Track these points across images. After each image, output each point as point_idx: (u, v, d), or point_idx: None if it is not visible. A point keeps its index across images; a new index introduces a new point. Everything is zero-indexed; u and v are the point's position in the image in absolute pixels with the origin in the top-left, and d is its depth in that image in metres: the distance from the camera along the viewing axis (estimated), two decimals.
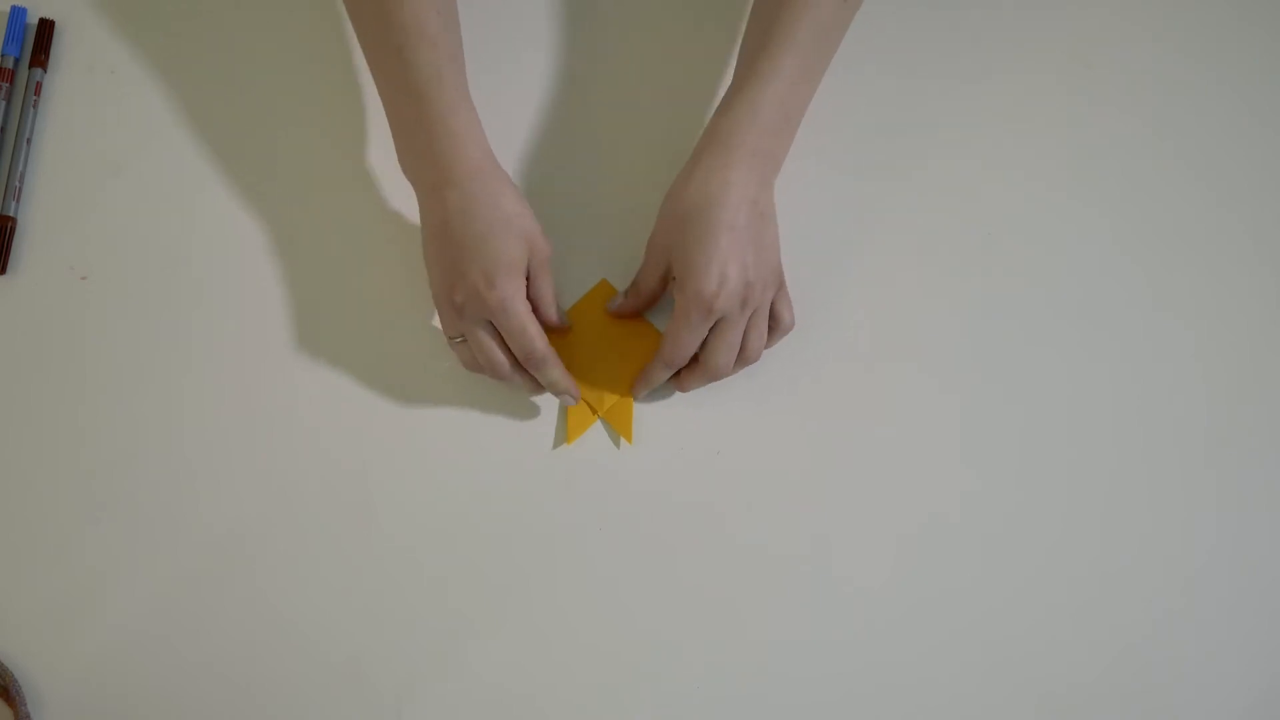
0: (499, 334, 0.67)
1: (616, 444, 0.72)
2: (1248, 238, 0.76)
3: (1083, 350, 0.74)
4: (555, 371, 0.68)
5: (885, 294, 0.74)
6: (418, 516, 0.71)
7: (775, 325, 0.70)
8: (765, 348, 0.70)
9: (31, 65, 0.75)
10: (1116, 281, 0.75)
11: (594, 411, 0.72)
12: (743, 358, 0.69)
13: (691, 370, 0.70)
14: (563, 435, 0.72)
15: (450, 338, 0.69)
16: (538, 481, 0.71)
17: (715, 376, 0.69)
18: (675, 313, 0.68)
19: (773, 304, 0.70)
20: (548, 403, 0.72)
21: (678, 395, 0.73)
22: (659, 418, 0.72)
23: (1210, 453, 0.73)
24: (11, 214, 0.73)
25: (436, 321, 0.72)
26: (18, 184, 0.73)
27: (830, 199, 0.76)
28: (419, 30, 0.66)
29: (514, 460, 0.72)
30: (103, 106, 0.75)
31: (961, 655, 0.70)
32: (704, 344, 0.68)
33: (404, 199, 0.74)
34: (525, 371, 0.69)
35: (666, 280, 0.69)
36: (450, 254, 0.66)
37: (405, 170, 0.69)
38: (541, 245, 0.68)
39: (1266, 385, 0.74)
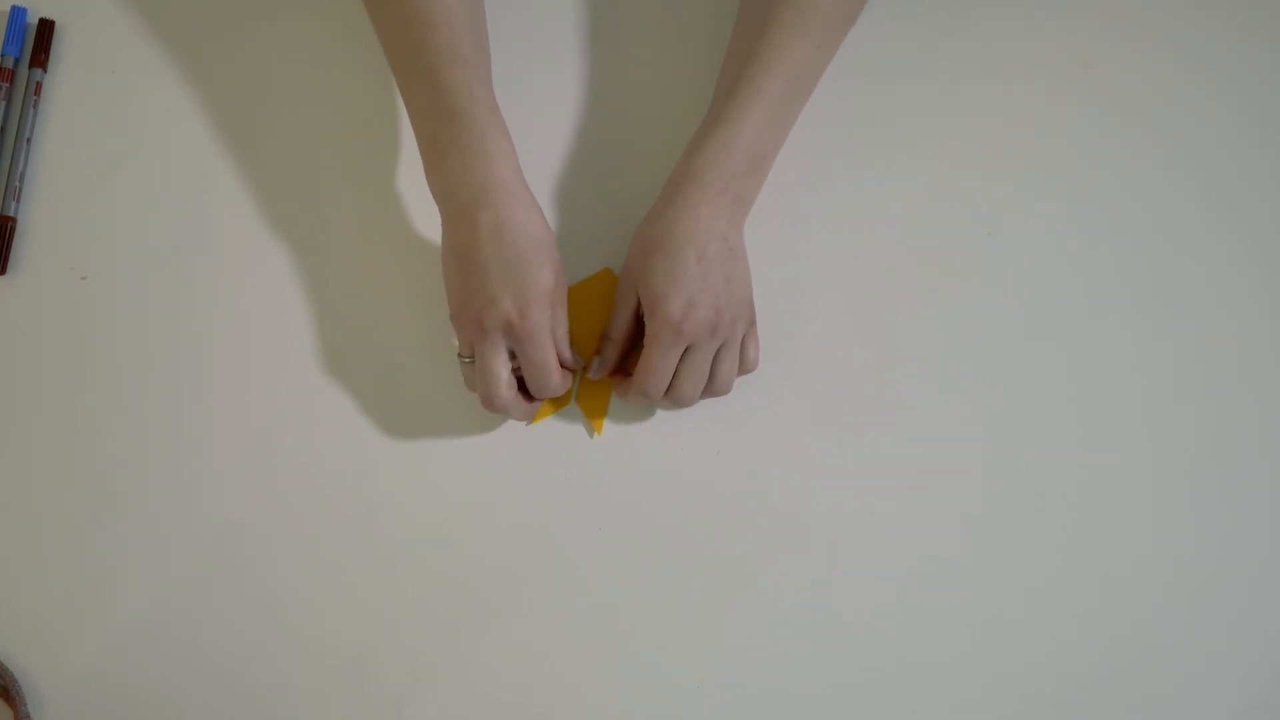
0: (506, 363, 0.67)
1: (615, 444, 0.72)
2: (1250, 236, 0.76)
3: (1085, 351, 0.74)
4: (560, 392, 0.68)
5: (886, 294, 0.74)
6: (417, 516, 0.71)
7: (743, 365, 0.70)
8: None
9: (31, 65, 0.75)
10: (1118, 282, 0.75)
11: (570, 398, 0.72)
12: (710, 389, 0.69)
13: (664, 398, 0.69)
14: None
15: (462, 357, 0.68)
16: (537, 482, 0.71)
17: (684, 404, 0.69)
18: (646, 343, 0.67)
19: (744, 342, 0.69)
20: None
21: None
22: (659, 418, 0.72)
23: (1217, 453, 0.73)
24: (11, 214, 0.73)
25: (432, 326, 0.72)
26: (18, 184, 0.73)
27: (830, 201, 0.75)
28: (451, 52, 0.66)
29: (513, 461, 0.72)
30: (103, 106, 0.75)
31: (967, 660, 0.70)
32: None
33: (401, 199, 0.74)
34: (517, 406, 0.68)
35: (639, 318, 0.69)
36: (479, 276, 0.65)
37: (434, 189, 0.68)
38: (563, 279, 0.68)
39: (1272, 384, 0.74)
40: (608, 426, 0.72)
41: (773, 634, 0.70)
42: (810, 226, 0.75)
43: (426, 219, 0.74)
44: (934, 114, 0.77)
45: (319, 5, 0.77)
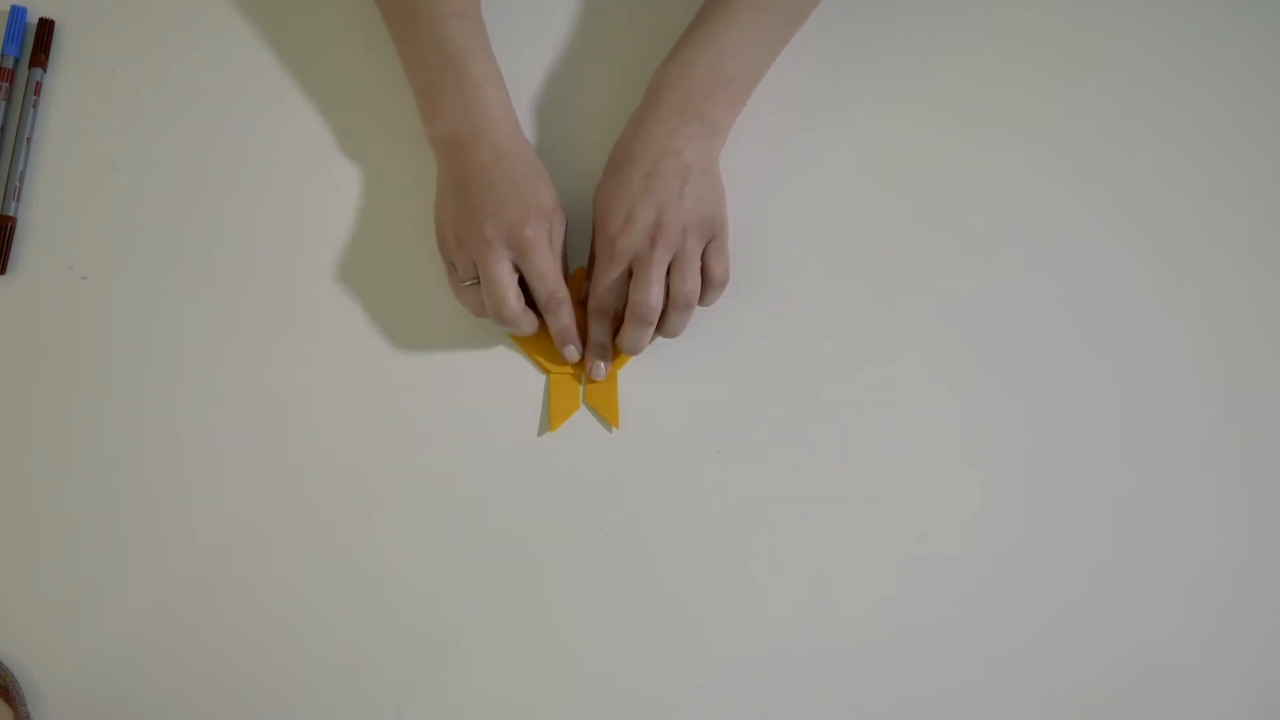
0: (512, 272, 0.68)
1: (615, 444, 0.72)
2: (1249, 236, 0.76)
3: (1085, 350, 0.74)
4: (567, 318, 0.70)
5: (885, 294, 0.74)
6: (417, 516, 0.71)
7: (708, 279, 0.70)
8: (704, 304, 0.71)
9: (31, 65, 0.75)
10: (1117, 282, 0.75)
11: (577, 399, 0.72)
12: (671, 302, 0.69)
13: (625, 322, 0.70)
14: (546, 424, 0.72)
15: (463, 281, 0.69)
16: (538, 482, 0.71)
17: (644, 318, 0.69)
18: (593, 264, 0.71)
19: (707, 256, 0.69)
20: (539, 397, 0.72)
21: (677, 394, 0.73)
22: (659, 420, 0.72)
23: (1215, 452, 0.73)
24: (11, 214, 0.73)
25: (434, 325, 0.72)
26: (18, 184, 0.73)
27: (830, 201, 0.76)
28: (449, 6, 0.69)
29: (513, 462, 0.72)
30: (103, 106, 0.75)
31: (966, 659, 0.70)
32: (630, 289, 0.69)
33: (402, 201, 0.74)
34: (526, 317, 0.69)
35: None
36: (480, 193, 0.68)
37: (433, 133, 0.70)
38: (562, 215, 0.70)
39: (1269, 384, 0.74)
40: (597, 419, 0.73)
41: (772, 633, 0.70)
42: (811, 226, 0.75)
43: (427, 222, 0.74)
44: (933, 113, 0.77)
45: (319, 6, 0.77)
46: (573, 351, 0.71)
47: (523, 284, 0.69)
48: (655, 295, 0.68)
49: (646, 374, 0.73)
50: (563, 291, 0.69)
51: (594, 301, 0.70)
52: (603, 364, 0.71)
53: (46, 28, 0.76)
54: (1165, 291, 0.75)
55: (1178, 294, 0.75)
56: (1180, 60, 0.79)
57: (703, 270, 0.70)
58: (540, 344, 0.72)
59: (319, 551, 0.70)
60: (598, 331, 0.71)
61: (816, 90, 0.77)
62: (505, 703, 0.69)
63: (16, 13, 0.76)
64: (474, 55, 0.69)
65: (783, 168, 0.75)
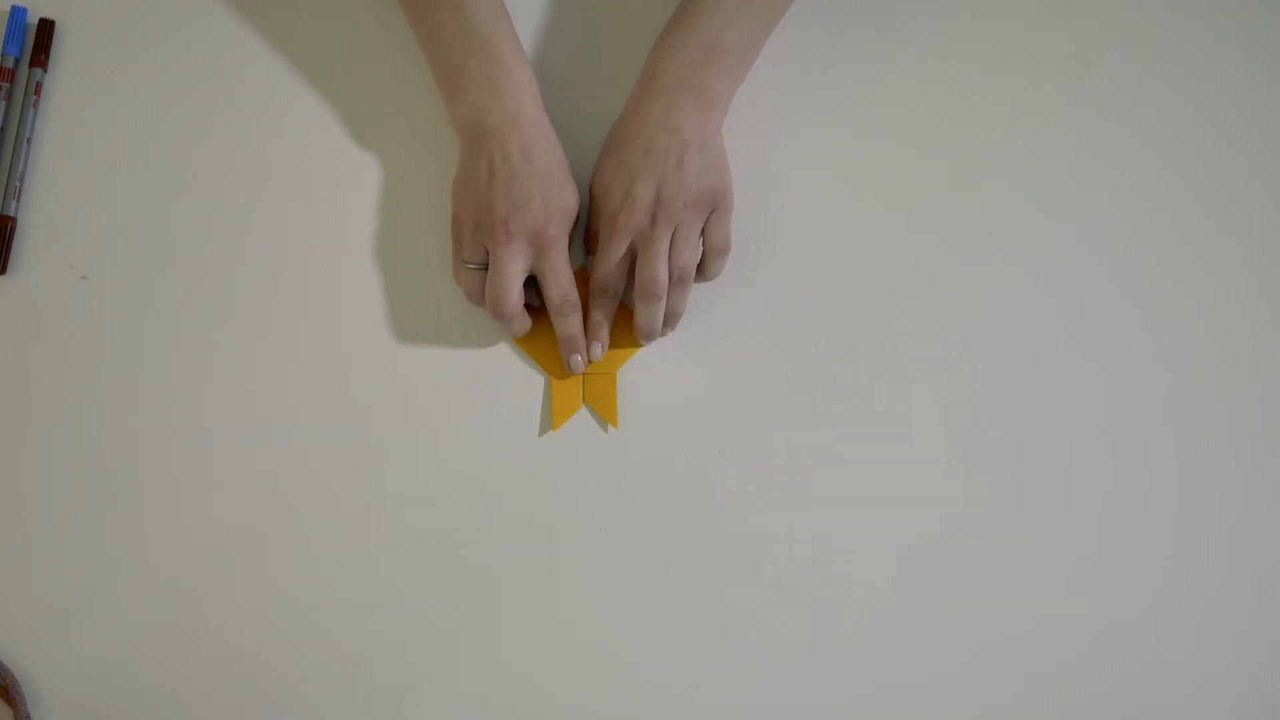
0: (522, 271, 0.68)
1: (616, 444, 0.72)
2: (1248, 238, 0.76)
3: (1083, 352, 0.74)
4: (577, 325, 0.70)
5: (885, 291, 0.74)
6: (418, 514, 0.71)
7: (709, 247, 0.70)
8: (708, 277, 0.71)
9: (31, 65, 0.75)
10: (1116, 282, 0.75)
11: (578, 398, 0.72)
12: (672, 278, 0.69)
13: (636, 302, 0.70)
14: (548, 423, 0.72)
15: (467, 262, 0.69)
16: (538, 481, 0.71)
17: (653, 294, 0.69)
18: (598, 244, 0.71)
19: (707, 227, 0.70)
20: (539, 397, 0.72)
21: (678, 391, 0.73)
22: (661, 419, 0.72)
23: (1209, 454, 0.73)
24: (11, 214, 0.73)
25: (434, 321, 0.72)
26: (18, 184, 0.73)
27: (829, 199, 0.76)
28: None
29: (514, 461, 0.72)
30: (103, 106, 0.75)
31: (961, 656, 0.70)
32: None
33: (410, 207, 0.74)
34: (520, 318, 0.69)
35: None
36: (506, 187, 0.67)
37: (459, 117, 0.70)
38: (578, 215, 0.70)
39: (1267, 386, 0.74)
40: (597, 419, 0.73)
41: (773, 632, 0.70)
42: (809, 225, 0.75)
43: (429, 222, 0.74)
44: (933, 113, 0.77)
45: (317, 6, 0.77)
46: (578, 362, 0.71)
47: (525, 284, 0.70)
48: (661, 271, 0.68)
49: (646, 373, 0.73)
50: (575, 296, 0.70)
51: (596, 279, 0.70)
52: (599, 345, 0.71)
53: (46, 28, 0.76)
54: (1163, 289, 0.75)
55: (1174, 292, 0.75)
56: (1179, 60, 0.78)
57: (703, 240, 0.70)
58: (542, 346, 0.72)
59: (319, 549, 0.70)
60: (598, 312, 0.71)
61: (813, 87, 0.77)
62: (506, 700, 0.69)
63: (16, 13, 0.76)
64: (502, 38, 0.69)
65: (781, 166, 0.75)
